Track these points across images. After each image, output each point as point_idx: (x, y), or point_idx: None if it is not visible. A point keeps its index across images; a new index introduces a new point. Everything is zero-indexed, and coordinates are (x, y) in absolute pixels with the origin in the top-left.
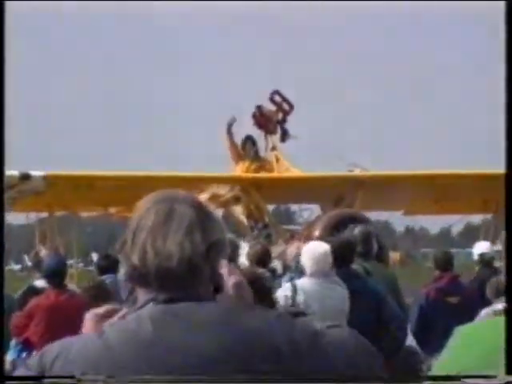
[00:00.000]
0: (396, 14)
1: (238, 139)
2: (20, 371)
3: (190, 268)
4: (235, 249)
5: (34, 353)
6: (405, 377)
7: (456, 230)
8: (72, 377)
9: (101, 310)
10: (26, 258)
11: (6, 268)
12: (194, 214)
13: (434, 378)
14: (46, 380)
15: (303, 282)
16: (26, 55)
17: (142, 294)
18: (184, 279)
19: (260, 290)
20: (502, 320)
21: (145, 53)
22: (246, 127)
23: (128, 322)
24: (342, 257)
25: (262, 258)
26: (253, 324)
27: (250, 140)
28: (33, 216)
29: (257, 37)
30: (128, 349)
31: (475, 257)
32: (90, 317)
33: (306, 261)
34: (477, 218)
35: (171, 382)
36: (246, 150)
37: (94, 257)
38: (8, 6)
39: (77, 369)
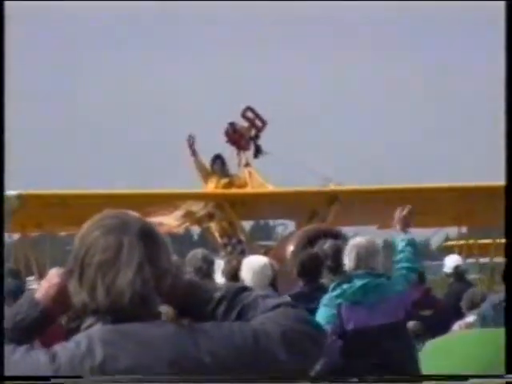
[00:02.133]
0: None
1: (208, 156)
2: None
3: (141, 301)
4: (210, 265)
5: None
6: (405, 377)
7: (431, 243)
8: (77, 377)
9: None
10: None
11: None
12: (142, 246)
13: (436, 378)
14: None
15: None
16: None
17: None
18: (134, 309)
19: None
20: (472, 333)
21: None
22: (219, 144)
23: (78, 346)
24: (308, 271)
25: (237, 274)
26: (200, 340)
27: (219, 159)
28: (7, 236)
29: (231, 51)
30: (80, 373)
31: (448, 269)
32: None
33: (245, 274)
34: (452, 232)
35: None
36: (215, 168)
37: None
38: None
39: None
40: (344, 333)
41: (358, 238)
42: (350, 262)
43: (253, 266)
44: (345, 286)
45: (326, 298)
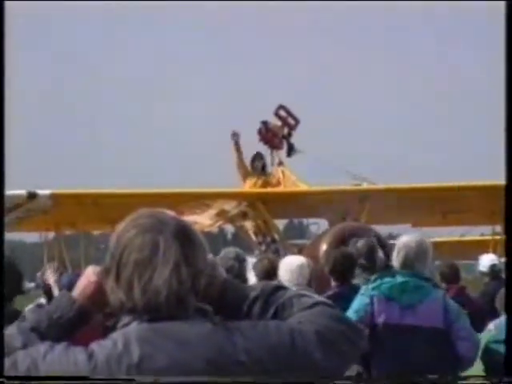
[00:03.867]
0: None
1: (244, 155)
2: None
3: (177, 301)
4: (242, 263)
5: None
6: (406, 377)
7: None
8: (78, 378)
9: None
10: (38, 276)
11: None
12: (179, 245)
13: (435, 378)
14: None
15: None
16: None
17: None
18: (170, 308)
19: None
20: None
21: (144, 69)
22: (252, 143)
23: (115, 344)
24: (341, 270)
25: (269, 272)
26: (236, 338)
27: (259, 157)
28: (42, 235)
29: (262, 51)
30: (117, 372)
31: (483, 268)
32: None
33: (283, 274)
34: (486, 230)
35: None
36: (255, 166)
37: None
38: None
39: None
40: (374, 325)
41: (408, 237)
42: (397, 262)
43: (291, 265)
44: (385, 280)
45: (363, 288)
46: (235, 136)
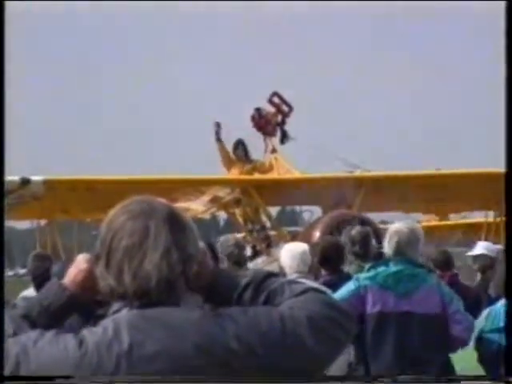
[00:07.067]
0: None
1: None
2: None
3: (167, 286)
4: (241, 250)
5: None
6: (406, 377)
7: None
8: (78, 378)
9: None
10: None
11: (12, 273)
12: (169, 231)
13: (435, 378)
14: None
15: None
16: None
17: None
18: (160, 294)
19: None
20: None
21: (139, 55)
22: (246, 130)
23: (106, 331)
24: (329, 259)
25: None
26: (227, 324)
27: (240, 144)
28: (34, 221)
29: (255, 37)
30: (107, 358)
31: (476, 255)
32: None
33: (285, 260)
34: (479, 217)
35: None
36: (237, 154)
37: None
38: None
39: (51, 371)
40: (370, 315)
41: (399, 224)
42: (389, 248)
43: (294, 252)
44: (379, 269)
45: (356, 276)
46: (216, 126)
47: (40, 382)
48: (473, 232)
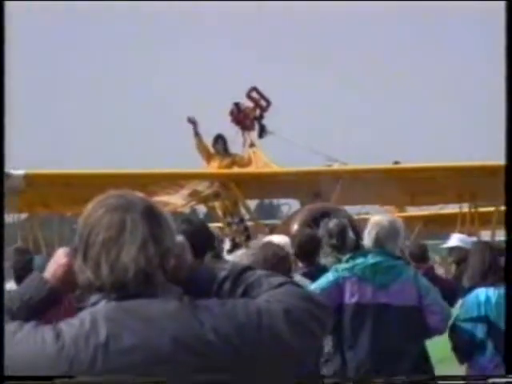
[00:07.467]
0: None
1: (211, 136)
2: None
3: (145, 278)
4: (220, 244)
5: None
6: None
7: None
8: (73, 378)
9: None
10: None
11: None
12: (146, 224)
13: (434, 378)
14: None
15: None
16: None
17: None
18: (138, 286)
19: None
20: None
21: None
22: (224, 124)
23: (83, 323)
24: (306, 252)
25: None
26: (204, 316)
27: (220, 138)
28: (15, 215)
29: (235, 33)
30: (84, 351)
31: (451, 247)
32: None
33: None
34: (453, 210)
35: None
36: (217, 148)
37: None
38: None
39: (27, 367)
40: (347, 306)
41: (379, 217)
42: (369, 240)
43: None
44: (358, 261)
45: (335, 266)
46: (191, 121)
47: (40, 382)
48: (448, 223)
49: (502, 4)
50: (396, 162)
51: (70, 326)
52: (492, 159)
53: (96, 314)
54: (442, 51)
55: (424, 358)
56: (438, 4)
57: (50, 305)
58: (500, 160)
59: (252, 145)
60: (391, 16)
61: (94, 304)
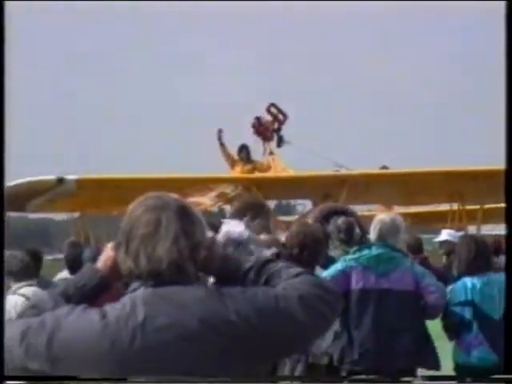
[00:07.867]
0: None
1: (235, 145)
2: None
3: (177, 268)
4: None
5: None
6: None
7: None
8: (73, 378)
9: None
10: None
11: (51, 257)
12: (179, 221)
13: (433, 378)
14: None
15: None
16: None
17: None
18: (171, 275)
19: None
20: None
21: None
22: (247, 135)
23: (124, 306)
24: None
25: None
26: (228, 301)
27: (244, 148)
28: (69, 214)
29: (235, 33)
30: (125, 330)
31: (442, 241)
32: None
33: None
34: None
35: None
36: (241, 156)
37: None
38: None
39: (78, 343)
40: (353, 291)
41: (383, 215)
42: (373, 235)
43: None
44: (363, 252)
45: (343, 257)
46: (220, 133)
47: (40, 382)
48: (439, 220)
49: (502, 4)
50: (383, 167)
51: (113, 309)
52: (486, 163)
53: (135, 299)
54: (442, 51)
55: (425, 337)
56: (438, 4)
57: (100, 291)
58: (500, 164)
59: (271, 153)
60: (391, 16)
61: (134, 290)
